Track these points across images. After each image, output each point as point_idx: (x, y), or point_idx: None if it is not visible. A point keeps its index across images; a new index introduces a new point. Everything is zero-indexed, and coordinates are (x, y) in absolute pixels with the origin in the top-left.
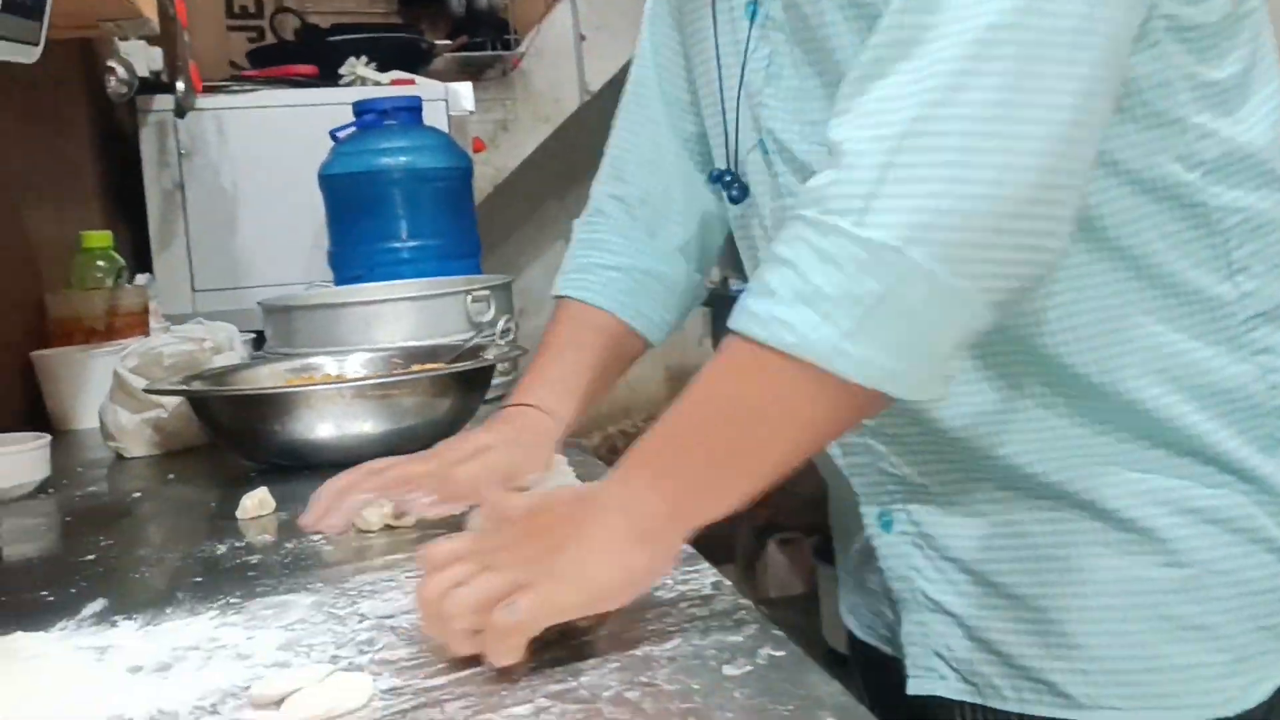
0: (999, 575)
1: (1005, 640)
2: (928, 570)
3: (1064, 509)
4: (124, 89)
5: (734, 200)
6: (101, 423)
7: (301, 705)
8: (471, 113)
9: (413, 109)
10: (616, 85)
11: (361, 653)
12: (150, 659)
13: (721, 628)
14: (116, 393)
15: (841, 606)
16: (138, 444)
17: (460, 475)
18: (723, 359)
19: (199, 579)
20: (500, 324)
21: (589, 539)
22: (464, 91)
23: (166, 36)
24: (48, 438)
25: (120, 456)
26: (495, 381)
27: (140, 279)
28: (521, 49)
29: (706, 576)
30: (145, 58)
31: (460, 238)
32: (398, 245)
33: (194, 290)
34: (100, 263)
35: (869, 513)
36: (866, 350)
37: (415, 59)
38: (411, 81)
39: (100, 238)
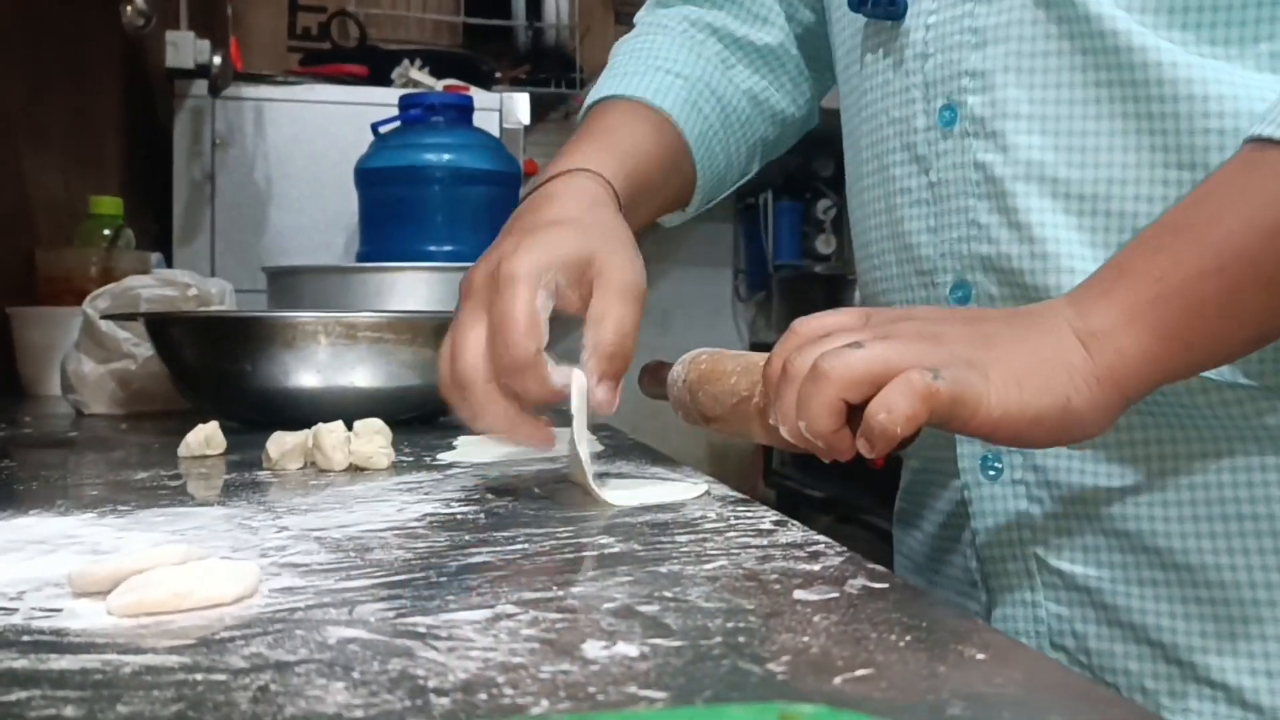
0: (1161, 537)
1: (1165, 625)
2: (1048, 533)
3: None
4: (140, 20)
5: (879, 12)
6: (63, 372)
7: (139, 591)
8: (527, 127)
9: (463, 108)
10: None
11: (263, 555)
12: None
13: (789, 557)
14: (83, 339)
15: None
16: (99, 398)
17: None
18: (1255, 174)
19: (95, 492)
20: None
21: (1032, 343)
22: (520, 104)
23: (208, 9)
24: None
25: (79, 413)
26: None
27: (153, 257)
28: (588, 90)
29: (764, 514)
30: (192, 49)
31: None
32: (434, 249)
33: None
34: (106, 232)
35: (968, 455)
36: None
37: (474, 80)
38: (466, 89)
39: (111, 204)
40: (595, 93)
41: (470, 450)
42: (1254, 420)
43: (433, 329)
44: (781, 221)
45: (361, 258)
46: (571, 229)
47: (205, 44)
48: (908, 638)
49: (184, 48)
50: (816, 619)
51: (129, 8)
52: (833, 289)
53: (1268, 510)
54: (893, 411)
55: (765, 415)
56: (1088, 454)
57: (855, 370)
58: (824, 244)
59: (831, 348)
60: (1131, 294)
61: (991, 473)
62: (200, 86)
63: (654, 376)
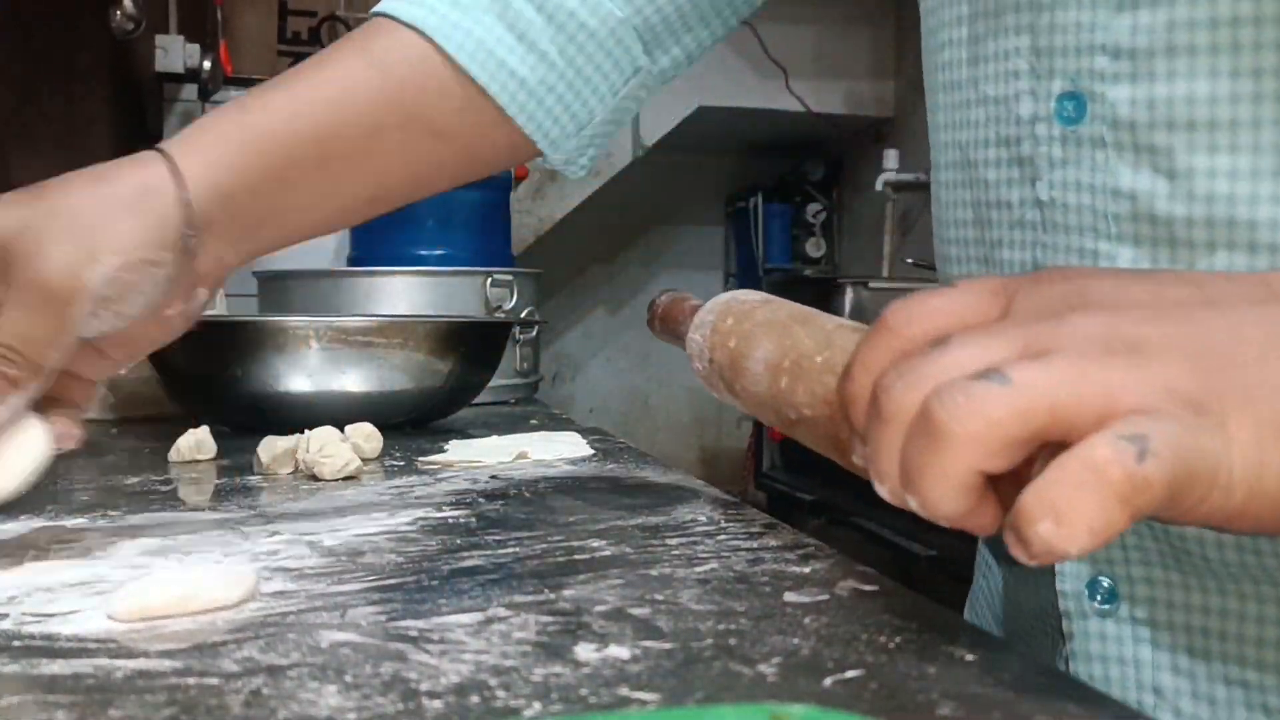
0: None
1: None
2: (1161, 670)
3: None
4: (130, 25)
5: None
6: None
7: (141, 596)
8: None
9: None
10: (671, 142)
11: (255, 560)
12: None
13: (779, 560)
14: None
15: (970, 609)
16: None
17: None
18: None
19: (85, 497)
20: (523, 315)
21: (1268, 321)
22: None
23: (198, 13)
24: None
25: None
26: (509, 382)
27: None
28: None
29: (754, 517)
30: (181, 53)
31: (492, 252)
32: (424, 253)
33: None
34: None
35: (1071, 575)
36: None
37: None
38: None
39: None
40: None
41: (462, 454)
42: None
43: (424, 333)
44: (772, 224)
45: (352, 262)
46: (13, 204)
47: (195, 48)
48: (897, 639)
49: (173, 52)
50: (807, 621)
51: (118, 12)
52: (823, 293)
53: None
54: (1066, 523)
55: (841, 443)
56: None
57: (999, 425)
58: (814, 247)
59: (952, 375)
60: None
61: (1103, 603)
62: (190, 90)
63: (667, 322)
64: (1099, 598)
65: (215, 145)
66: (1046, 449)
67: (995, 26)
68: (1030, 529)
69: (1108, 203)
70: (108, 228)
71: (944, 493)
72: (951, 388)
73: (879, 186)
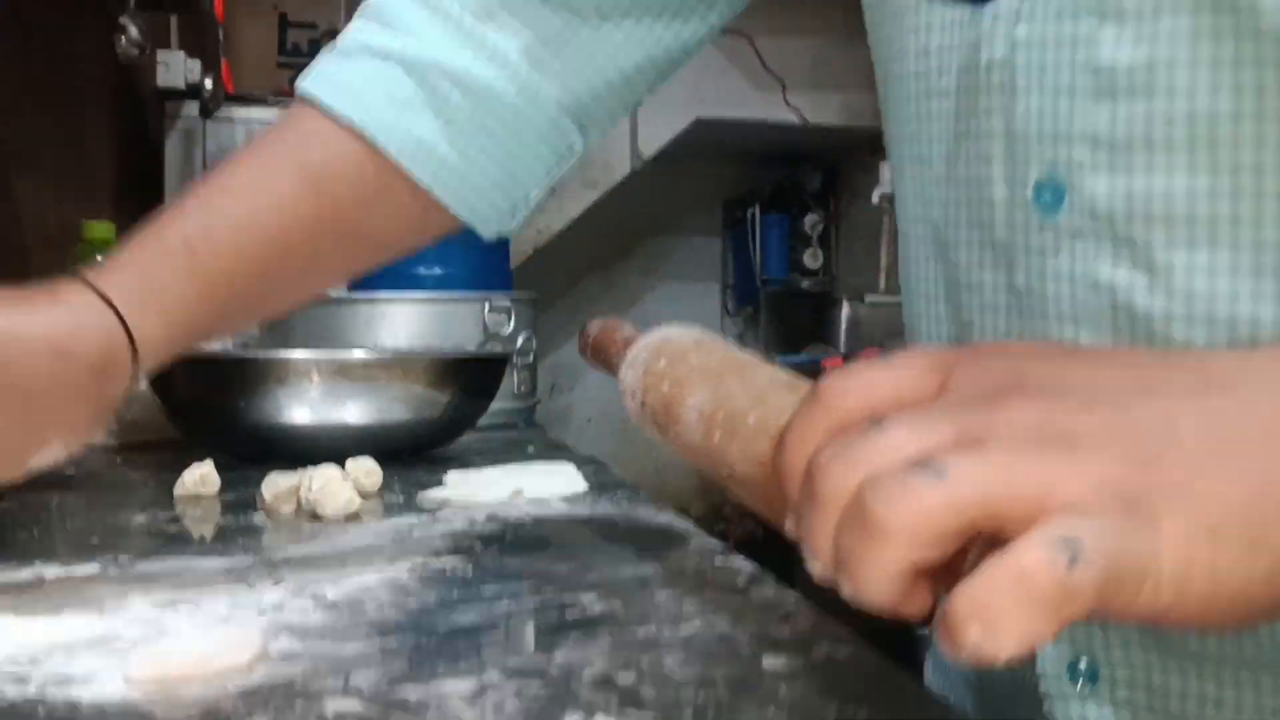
0: None
1: None
2: None
3: None
4: (135, 50)
5: None
6: None
7: (159, 660)
8: None
9: None
10: (668, 153)
11: (260, 614)
12: None
13: (761, 619)
14: None
15: (930, 669)
16: None
17: None
18: None
19: (95, 540)
20: (520, 341)
21: (1244, 436)
22: None
23: (199, 30)
24: None
25: None
26: (508, 405)
27: None
28: None
29: (741, 564)
30: (182, 68)
31: (491, 266)
32: (424, 273)
33: None
34: (99, 257)
35: (1052, 657)
36: None
37: None
38: None
39: (103, 228)
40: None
41: (459, 489)
42: None
43: (423, 366)
44: (769, 235)
45: (352, 282)
46: None
47: (196, 64)
48: (864, 710)
49: (175, 67)
50: (782, 690)
51: (123, 38)
52: (820, 307)
53: None
54: (994, 631)
55: (774, 507)
56: (1242, 675)
57: (933, 519)
58: (811, 258)
59: (887, 458)
60: None
61: (1084, 684)
62: (191, 107)
63: (599, 352)
64: (1079, 681)
65: (174, 304)
66: (980, 539)
67: (968, 106)
68: (959, 632)
69: (1088, 294)
70: (62, 414)
71: (875, 581)
72: (887, 479)
73: (875, 199)
